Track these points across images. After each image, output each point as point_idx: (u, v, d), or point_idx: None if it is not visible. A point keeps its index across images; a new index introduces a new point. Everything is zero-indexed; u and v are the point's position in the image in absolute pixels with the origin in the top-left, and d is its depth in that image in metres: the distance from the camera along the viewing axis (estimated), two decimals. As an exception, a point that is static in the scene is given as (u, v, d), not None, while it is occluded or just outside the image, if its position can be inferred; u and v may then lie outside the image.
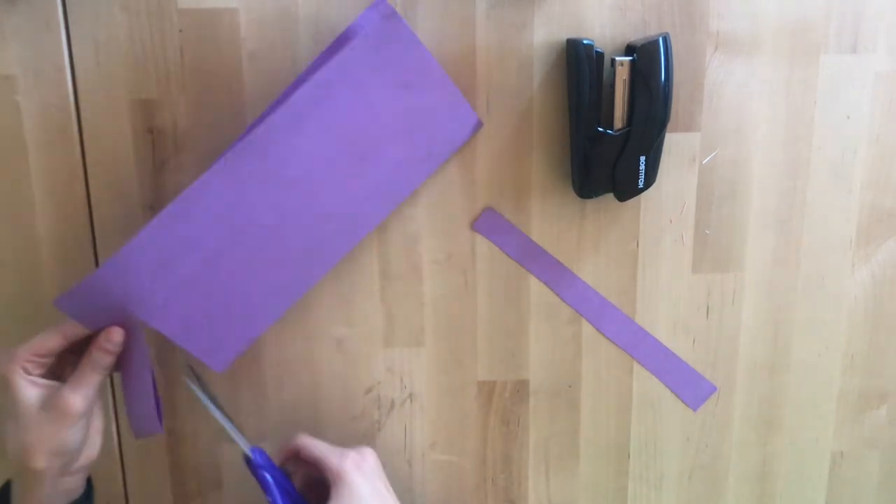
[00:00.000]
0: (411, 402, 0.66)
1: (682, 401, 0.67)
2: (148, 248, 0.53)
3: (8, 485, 0.54)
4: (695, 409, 0.68)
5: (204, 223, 0.54)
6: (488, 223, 0.62)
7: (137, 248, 0.52)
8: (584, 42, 0.56)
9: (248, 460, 0.56)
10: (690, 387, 0.67)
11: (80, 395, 0.51)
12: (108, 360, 0.53)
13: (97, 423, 0.55)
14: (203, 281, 0.55)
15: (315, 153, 0.55)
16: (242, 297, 0.57)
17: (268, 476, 0.55)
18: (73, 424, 0.51)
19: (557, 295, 0.64)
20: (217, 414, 0.56)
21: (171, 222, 0.53)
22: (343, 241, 0.59)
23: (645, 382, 0.67)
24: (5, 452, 0.51)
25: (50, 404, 0.51)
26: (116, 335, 0.53)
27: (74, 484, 0.54)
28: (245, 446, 0.56)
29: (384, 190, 0.59)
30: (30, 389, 0.51)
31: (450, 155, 0.60)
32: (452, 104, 0.59)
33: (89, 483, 0.57)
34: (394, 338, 0.64)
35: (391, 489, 0.58)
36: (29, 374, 0.51)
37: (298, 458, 0.59)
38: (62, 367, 0.54)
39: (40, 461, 0.50)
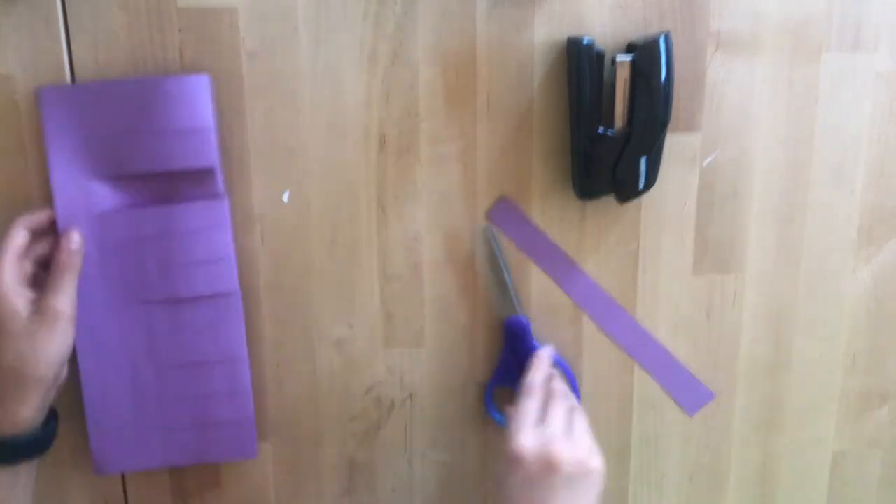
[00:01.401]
0: (411, 402, 0.66)
1: (680, 405, 0.67)
2: None
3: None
4: (691, 415, 0.67)
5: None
6: (502, 212, 0.62)
7: None
8: (585, 41, 0.56)
9: (514, 323, 0.62)
10: (689, 392, 0.67)
11: (64, 297, 0.53)
12: (77, 259, 0.55)
13: None
14: None
15: None
16: None
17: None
18: (64, 329, 0.53)
19: (564, 291, 0.64)
20: (505, 269, 0.62)
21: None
22: None
23: (646, 383, 0.67)
24: None
25: (38, 312, 0.52)
26: (75, 234, 0.56)
27: (50, 401, 0.55)
28: (518, 308, 0.63)
29: None
30: (18, 300, 0.52)
31: None
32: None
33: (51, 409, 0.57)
34: (394, 338, 0.64)
35: None
36: (16, 284, 0.53)
37: None
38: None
39: (41, 368, 0.52)
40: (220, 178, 0.58)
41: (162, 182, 0.58)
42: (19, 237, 0.54)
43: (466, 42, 0.59)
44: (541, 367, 0.60)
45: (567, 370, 0.64)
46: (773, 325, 0.66)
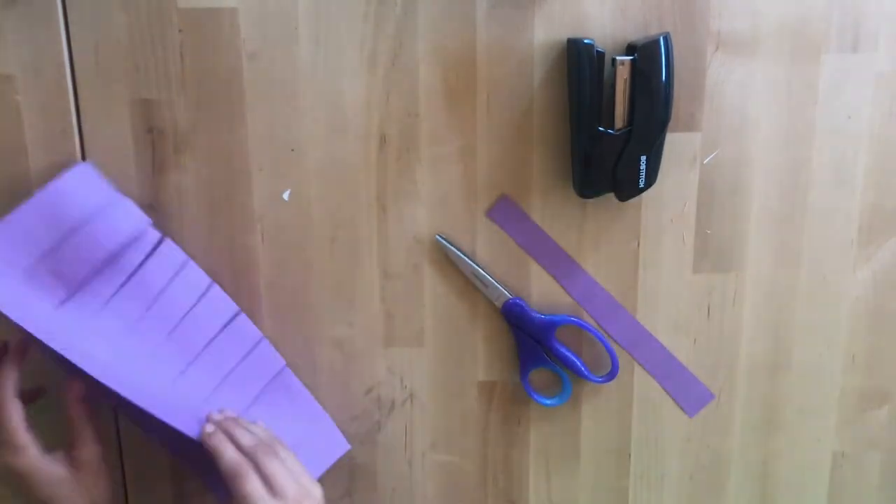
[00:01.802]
0: (411, 402, 0.66)
1: (680, 406, 0.67)
2: None
3: None
4: (691, 416, 0.67)
5: None
6: (503, 211, 0.62)
7: None
8: (585, 41, 0.56)
9: (511, 306, 0.63)
10: (689, 392, 0.67)
11: (94, 442, 0.55)
12: (87, 406, 0.56)
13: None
14: None
15: None
16: None
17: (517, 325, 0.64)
18: (105, 470, 0.56)
19: (564, 289, 0.64)
20: (475, 266, 0.62)
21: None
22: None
23: (646, 383, 0.67)
24: None
25: (80, 469, 0.54)
26: (76, 384, 0.56)
27: None
28: (508, 294, 0.63)
29: None
30: (54, 466, 0.53)
31: None
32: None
33: None
34: (394, 338, 0.64)
35: None
36: (43, 455, 0.53)
37: None
38: None
39: None
40: (152, 229, 0.59)
41: (110, 267, 0.57)
42: (15, 409, 0.54)
43: (466, 42, 0.59)
44: (223, 447, 0.54)
45: (601, 339, 0.64)
46: (773, 324, 0.66)
